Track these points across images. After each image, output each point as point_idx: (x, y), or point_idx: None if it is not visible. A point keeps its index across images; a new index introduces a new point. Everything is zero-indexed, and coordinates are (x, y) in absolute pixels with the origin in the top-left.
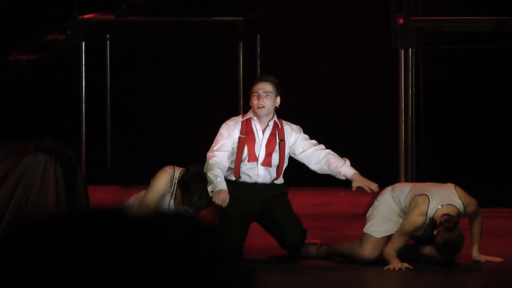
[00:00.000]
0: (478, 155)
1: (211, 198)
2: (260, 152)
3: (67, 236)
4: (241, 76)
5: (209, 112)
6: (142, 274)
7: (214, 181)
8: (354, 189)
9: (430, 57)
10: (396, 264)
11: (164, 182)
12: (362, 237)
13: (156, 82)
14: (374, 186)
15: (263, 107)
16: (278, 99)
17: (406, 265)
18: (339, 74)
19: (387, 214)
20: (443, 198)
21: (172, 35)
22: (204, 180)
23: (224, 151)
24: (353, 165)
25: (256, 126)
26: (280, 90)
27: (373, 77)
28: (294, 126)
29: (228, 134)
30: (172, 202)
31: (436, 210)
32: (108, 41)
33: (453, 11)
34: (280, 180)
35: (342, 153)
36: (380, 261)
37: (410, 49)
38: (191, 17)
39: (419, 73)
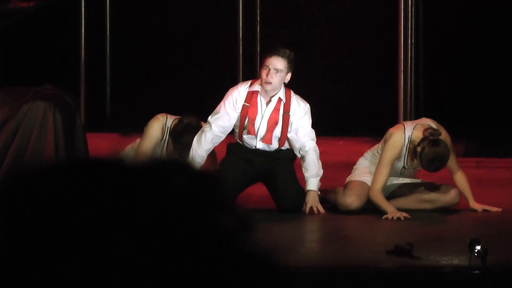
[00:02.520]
0: (478, 104)
1: None
2: (260, 127)
3: (65, 184)
4: (241, 26)
5: (209, 63)
6: (140, 221)
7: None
8: (307, 209)
9: (430, 5)
10: (394, 213)
11: (158, 129)
12: (345, 185)
13: (156, 31)
14: (320, 209)
15: (270, 83)
16: (289, 75)
17: (404, 214)
18: (339, 22)
19: (368, 170)
20: (416, 122)
21: None
22: (195, 132)
23: (220, 125)
24: (354, 112)
25: (261, 100)
26: (293, 65)
27: (372, 26)
28: (302, 103)
29: (231, 107)
30: (164, 150)
31: (413, 130)
32: None
33: None
34: (286, 147)
35: (341, 101)
36: (379, 211)
37: None
38: None
39: (419, 22)
